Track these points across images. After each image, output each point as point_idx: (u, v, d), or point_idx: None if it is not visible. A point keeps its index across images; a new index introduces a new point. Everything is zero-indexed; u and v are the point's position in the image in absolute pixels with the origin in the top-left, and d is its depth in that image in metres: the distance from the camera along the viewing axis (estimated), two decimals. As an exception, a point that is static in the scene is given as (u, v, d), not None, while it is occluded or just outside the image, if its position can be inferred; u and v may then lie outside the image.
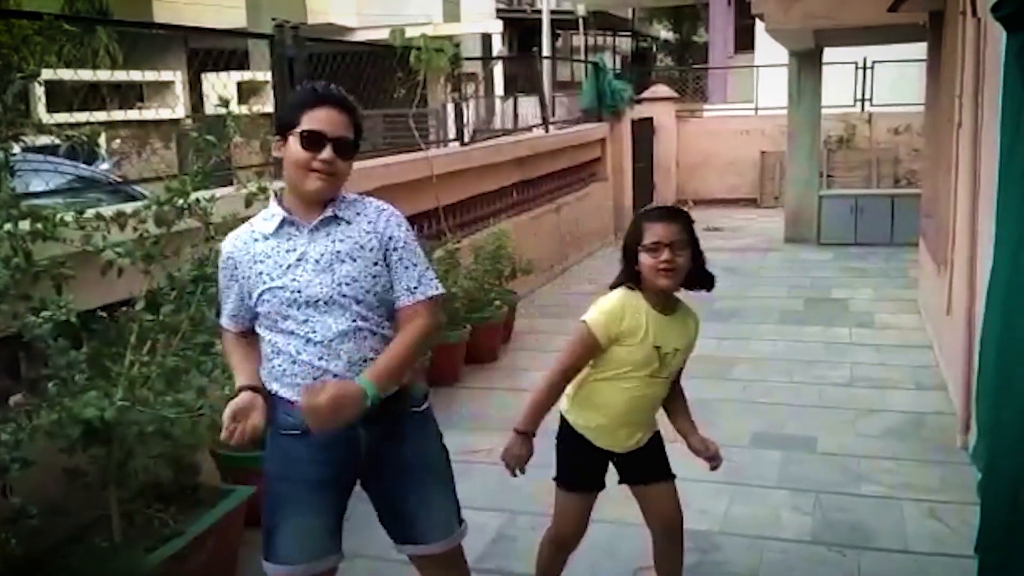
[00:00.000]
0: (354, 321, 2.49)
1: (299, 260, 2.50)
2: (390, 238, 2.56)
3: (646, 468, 3.07)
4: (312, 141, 2.45)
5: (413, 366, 2.63)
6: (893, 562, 3.81)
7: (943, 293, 5.91)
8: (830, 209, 11.74)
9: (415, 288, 2.56)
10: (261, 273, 2.52)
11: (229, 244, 2.62)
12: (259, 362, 2.62)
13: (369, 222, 2.56)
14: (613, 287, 2.96)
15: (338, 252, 2.51)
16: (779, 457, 4.91)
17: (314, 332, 2.49)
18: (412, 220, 7.09)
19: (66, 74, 3.70)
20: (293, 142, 2.48)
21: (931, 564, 3.78)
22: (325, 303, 2.48)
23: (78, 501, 3.44)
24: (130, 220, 3.54)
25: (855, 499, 4.39)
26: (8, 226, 3.19)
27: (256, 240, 2.56)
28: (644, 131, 14.98)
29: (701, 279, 2.97)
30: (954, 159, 5.51)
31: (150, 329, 3.42)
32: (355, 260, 2.51)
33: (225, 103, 3.79)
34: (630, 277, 2.90)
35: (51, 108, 6.95)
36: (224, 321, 2.71)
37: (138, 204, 3.67)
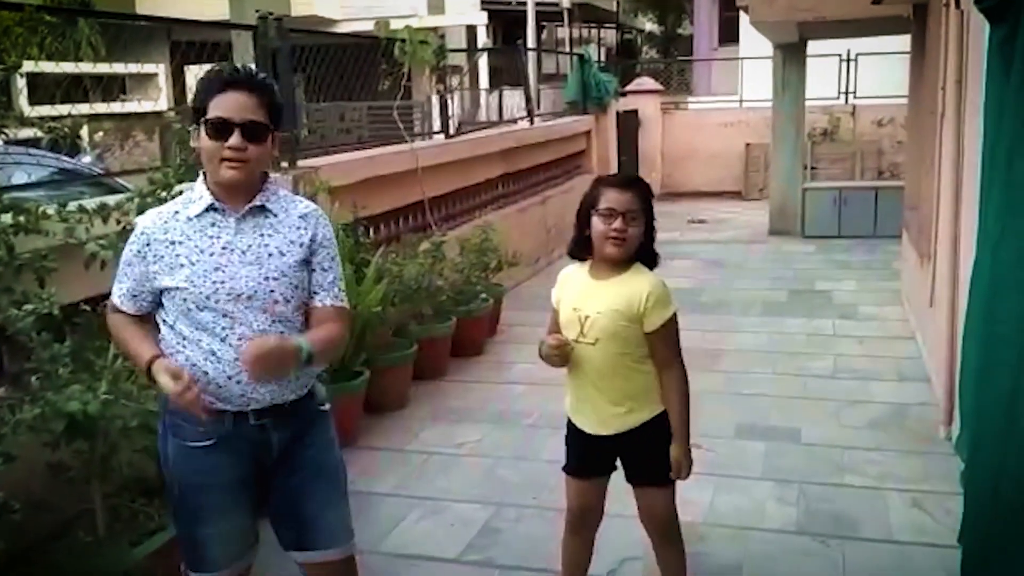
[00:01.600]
0: (274, 323, 2.43)
1: (224, 249, 2.41)
2: (315, 240, 2.51)
3: (641, 469, 3.01)
4: (218, 129, 2.35)
5: (332, 357, 2.60)
6: (877, 552, 3.83)
7: (926, 285, 5.95)
8: (814, 202, 11.77)
9: (329, 291, 2.54)
10: (179, 255, 2.41)
11: (147, 219, 2.51)
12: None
13: (300, 217, 2.51)
14: (570, 254, 3.02)
15: (267, 245, 2.44)
16: (763, 448, 4.93)
17: (232, 329, 2.41)
18: (397, 213, 7.10)
19: (48, 66, 3.67)
20: (203, 131, 2.38)
21: (915, 553, 3.80)
22: (249, 298, 2.41)
23: (61, 496, 3.41)
24: (113, 213, 3.52)
25: (839, 490, 4.41)
26: (-11, 219, 3.17)
27: (178, 220, 2.45)
28: (629, 124, 14.99)
29: (647, 255, 2.93)
30: (937, 151, 5.54)
31: (134, 322, 3.39)
32: (283, 255, 2.45)
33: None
34: (580, 242, 2.92)
35: (33, 100, 6.88)
36: (120, 301, 2.53)
37: (121, 197, 3.65)
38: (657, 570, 3.20)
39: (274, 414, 2.51)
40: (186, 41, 5.73)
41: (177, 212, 2.47)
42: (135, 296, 2.50)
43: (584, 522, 3.13)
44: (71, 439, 3.17)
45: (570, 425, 3.06)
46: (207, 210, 2.43)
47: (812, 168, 14.07)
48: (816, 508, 4.23)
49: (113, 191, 5.60)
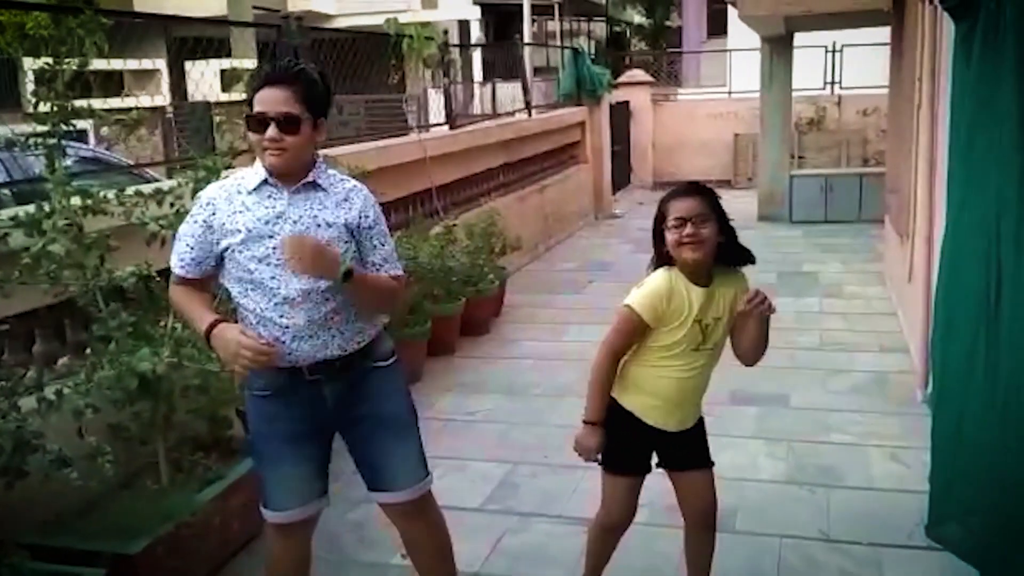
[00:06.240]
0: (316, 282, 2.65)
1: (278, 218, 2.66)
2: (364, 216, 2.76)
3: (686, 454, 3.09)
4: (256, 123, 2.62)
5: (379, 304, 2.83)
6: (858, 497, 4.26)
7: (905, 262, 6.34)
8: (801, 188, 12.17)
9: (382, 265, 2.80)
10: (238, 223, 2.66)
11: (212, 190, 2.77)
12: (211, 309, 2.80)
13: (344, 198, 2.75)
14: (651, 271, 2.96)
15: (315, 216, 2.68)
16: (755, 412, 5.34)
17: (278, 289, 2.65)
18: (408, 200, 7.47)
19: (101, 64, 4.03)
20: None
21: (892, 498, 4.22)
22: None
23: (119, 454, 3.75)
24: (167, 197, 3.88)
25: (825, 446, 4.83)
26: (63, 201, 3.53)
27: (239, 192, 2.71)
28: (621, 115, 15.36)
29: (737, 254, 2.93)
30: (914, 136, 5.92)
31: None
32: (330, 226, 2.69)
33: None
34: (662, 259, 2.91)
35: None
36: (185, 270, 2.77)
37: (173, 182, 4.01)
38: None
39: (325, 370, 2.76)
40: (183, 37, 5.96)
41: (238, 185, 2.76)
42: (200, 263, 2.75)
43: (627, 522, 3.17)
44: (138, 399, 3.54)
45: (633, 424, 2.99)
46: (263, 184, 2.70)
47: (800, 157, 14.44)
48: (804, 462, 4.64)
49: (143, 181, 5.96)
